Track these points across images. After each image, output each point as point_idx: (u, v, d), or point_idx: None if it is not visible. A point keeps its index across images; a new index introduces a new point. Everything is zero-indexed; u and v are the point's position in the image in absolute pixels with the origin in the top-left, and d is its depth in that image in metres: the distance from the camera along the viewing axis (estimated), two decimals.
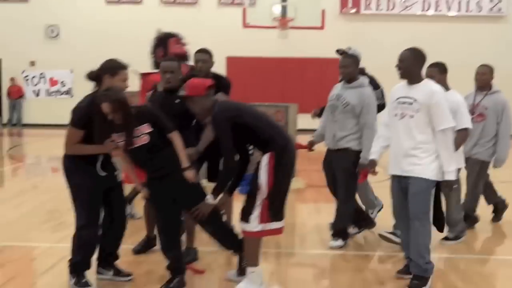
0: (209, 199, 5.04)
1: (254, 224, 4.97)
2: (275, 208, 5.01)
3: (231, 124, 4.97)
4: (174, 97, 5.68)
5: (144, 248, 6.15)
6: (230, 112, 5.05)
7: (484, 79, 6.95)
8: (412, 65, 5.20)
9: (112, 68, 5.08)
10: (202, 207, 5.03)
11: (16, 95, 23.34)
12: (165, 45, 7.08)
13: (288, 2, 17.61)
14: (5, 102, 23.85)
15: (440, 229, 5.59)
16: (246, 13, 18.17)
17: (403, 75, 5.31)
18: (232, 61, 22.00)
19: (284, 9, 17.77)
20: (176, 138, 5.08)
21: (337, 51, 6.81)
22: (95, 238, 5.25)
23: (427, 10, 22.37)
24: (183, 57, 6.97)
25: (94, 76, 5.10)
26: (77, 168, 5.12)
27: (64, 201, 8.73)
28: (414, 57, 5.24)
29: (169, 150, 5.05)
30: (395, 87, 5.34)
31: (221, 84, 6.15)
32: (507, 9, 22.21)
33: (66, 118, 20.11)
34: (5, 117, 23.98)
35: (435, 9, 22.34)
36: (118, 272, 5.45)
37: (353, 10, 22.44)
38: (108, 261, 5.49)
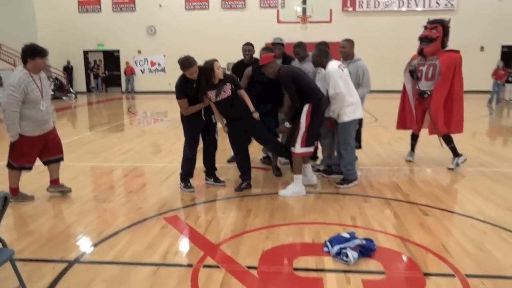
0: (287, 124, 5.13)
1: (298, 148, 5.05)
2: (309, 139, 5.05)
3: (292, 81, 4.91)
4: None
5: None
6: (292, 75, 4.96)
7: (345, 51, 5.87)
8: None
9: (182, 66, 4.94)
10: (282, 129, 5.24)
11: (129, 72, 23.69)
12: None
13: (307, 4, 17.04)
14: (123, 77, 24.15)
15: None
16: (279, 13, 17.85)
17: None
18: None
19: (304, 9, 17.32)
20: (244, 93, 5.09)
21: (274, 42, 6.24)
22: (195, 157, 5.34)
23: (401, 7, 21.66)
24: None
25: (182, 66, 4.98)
26: (188, 118, 5.23)
27: (168, 140, 8.96)
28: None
29: (242, 101, 5.06)
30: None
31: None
32: (457, 5, 21.35)
33: (161, 87, 20.64)
34: (123, 87, 24.37)
35: (407, 6, 21.58)
36: (216, 179, 5.60)
37: (351, 9, 22.06)
38: (209, 172, 5.62)
